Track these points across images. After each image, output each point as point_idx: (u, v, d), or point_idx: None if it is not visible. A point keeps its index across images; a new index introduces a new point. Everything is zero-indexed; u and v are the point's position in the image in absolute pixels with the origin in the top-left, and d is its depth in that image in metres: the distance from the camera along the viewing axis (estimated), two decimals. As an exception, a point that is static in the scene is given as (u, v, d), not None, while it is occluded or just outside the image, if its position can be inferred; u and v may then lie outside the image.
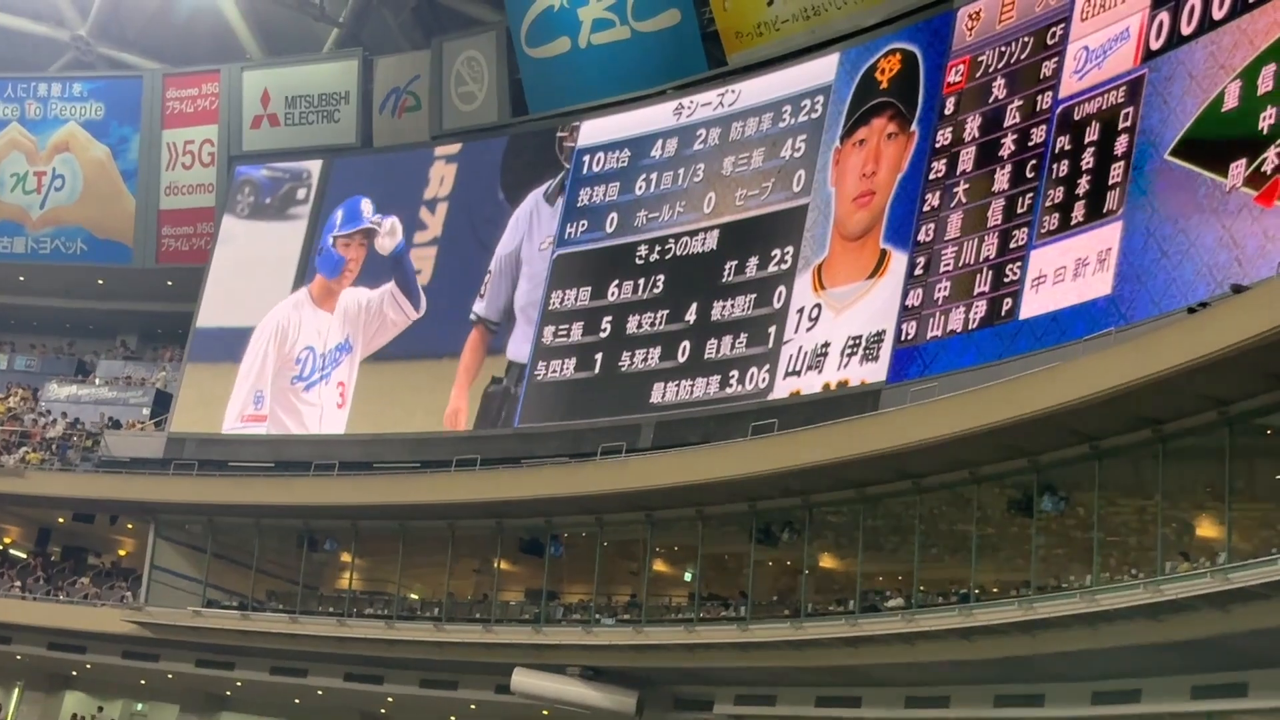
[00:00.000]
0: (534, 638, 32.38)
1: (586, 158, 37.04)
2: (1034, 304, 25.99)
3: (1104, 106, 26.01)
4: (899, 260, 29.12)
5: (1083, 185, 25.84)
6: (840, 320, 29.88)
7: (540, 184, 37.65)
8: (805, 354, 30.26)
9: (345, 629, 35.14)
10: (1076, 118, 26.52)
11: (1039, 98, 27.54)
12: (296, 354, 40.44)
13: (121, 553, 44.70)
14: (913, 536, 27.43)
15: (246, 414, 40.44)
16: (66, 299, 49.57)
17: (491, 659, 33.14)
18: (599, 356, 34.38)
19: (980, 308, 27.04)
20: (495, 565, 34.70)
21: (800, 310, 30.84)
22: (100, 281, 48.55)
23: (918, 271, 28.61)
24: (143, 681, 41.35)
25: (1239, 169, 22.60)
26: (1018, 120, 27.80)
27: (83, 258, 48.02)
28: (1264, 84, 22.55)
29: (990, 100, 28.58)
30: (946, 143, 29.16)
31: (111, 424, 44.02)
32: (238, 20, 47.49)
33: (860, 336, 29.24)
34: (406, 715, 38.69)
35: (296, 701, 39.36)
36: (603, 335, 34.55)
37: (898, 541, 28.44)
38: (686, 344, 32.81)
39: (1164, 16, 25.28)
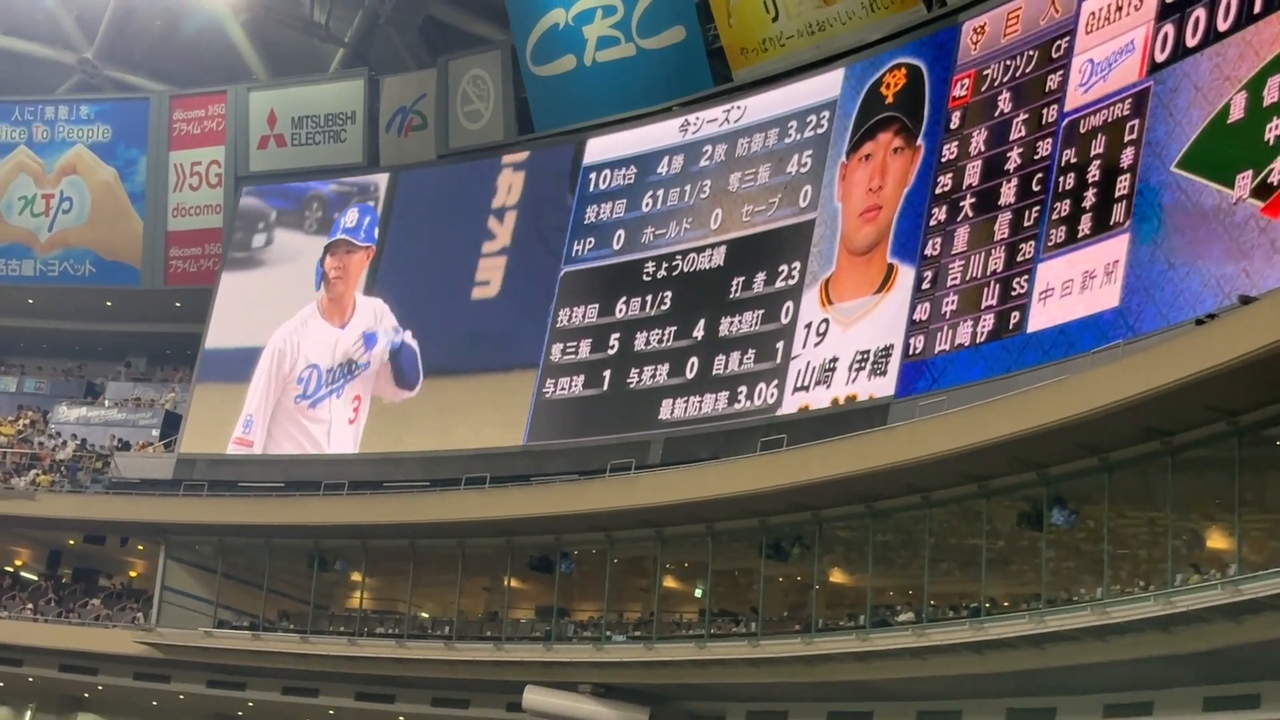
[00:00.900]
0: (545, 655, 32.38)
1: (593, 175, 37.09)
2: (1042, 317, 26.00)
3: (1110, 119, 26.03)
4: (906, 274, 29.14)
5: (1089, 198, 25.85)
6: (848, 335, 29.90)
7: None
8: (813, 369, 30.27)
9: (356, 648, 35.17)
10: (1082, 131, 26.53)
11: (1044, 111, 27.56)
12: (298, 373, 40.48)
13: (132, 574, 44.73)
14: (923, 550, 27.39)
15: (235, 437, 40.64)
16: (75, 321, 49.53)
17: (503, 677, 33.16)
18: (607, 373, 34.42)
19: (988, 321, 27.04)
20: (505, 583, 34.72)
21: (808, 325, 30.86)
22: (109, 303, 48.62)
23: (925, 285, 28.62)
24: (154, 703, 41.37)
25: (1245, 180, 22.60)
26: (1023, 134, 27.83)
27: (91, 280, 48.12)
28: (1270, 95, 22.56)
29: (996, 114, 28.59)
30: (952, 157, 29.18)
31: (121, 445, 44.11)
32: (244, 41, 47.66)
33: (868, 351, 29.25)
34: (418, 734, 38.70)
35: (308, 721, 39.42)
36: (611, 352, 34.58)
37: (908, 556, 28.40)
38: (695, 360, 32.84)
39: (1169, 29, 25.29)
